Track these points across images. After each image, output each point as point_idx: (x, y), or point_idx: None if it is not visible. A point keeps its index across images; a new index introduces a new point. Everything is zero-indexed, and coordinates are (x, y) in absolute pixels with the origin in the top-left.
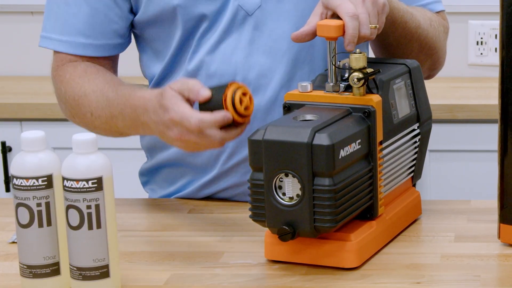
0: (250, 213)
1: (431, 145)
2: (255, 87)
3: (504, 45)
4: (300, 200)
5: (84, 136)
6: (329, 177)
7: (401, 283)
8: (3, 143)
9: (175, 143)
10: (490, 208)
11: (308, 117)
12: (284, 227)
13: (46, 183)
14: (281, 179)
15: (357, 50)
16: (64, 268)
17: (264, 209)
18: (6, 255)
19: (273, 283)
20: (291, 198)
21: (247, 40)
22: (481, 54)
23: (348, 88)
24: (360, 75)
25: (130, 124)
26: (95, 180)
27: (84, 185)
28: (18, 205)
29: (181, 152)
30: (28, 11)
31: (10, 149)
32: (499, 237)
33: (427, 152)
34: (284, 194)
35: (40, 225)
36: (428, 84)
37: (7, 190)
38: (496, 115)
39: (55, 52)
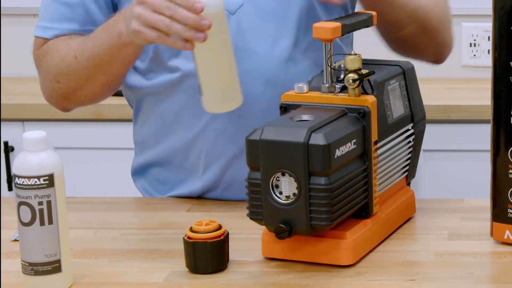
0: (247, 211)
1: (425, 145)
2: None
3: (496, 47)
4: (297, 199)
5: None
6: (325, 176)
7: (396, 281)
8: (6, 143)
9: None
10: (483, 206)
11: (304, 117)
12: (281, 225)
13: (47, 182)
14: (278, 178)
15: (352, 52)
16: (66, 265)
17: (261, 207)
18: (9, 252)
19: (269, 280)
20: (287, 197)
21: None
22: (474, 55)
23: (344, 89)
24: (355, 76)
25: (106, 35)
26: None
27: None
28: (20, 203)
29: (169, 151)
30: (31, 13)
31: (12, 149)
32: (491, 235)
33: (421, 152)
34: (281, 193)
35: (42, 223)
36: (422, 85)
37: (10, 189)
38: (489, 115)
39: (39, 38)
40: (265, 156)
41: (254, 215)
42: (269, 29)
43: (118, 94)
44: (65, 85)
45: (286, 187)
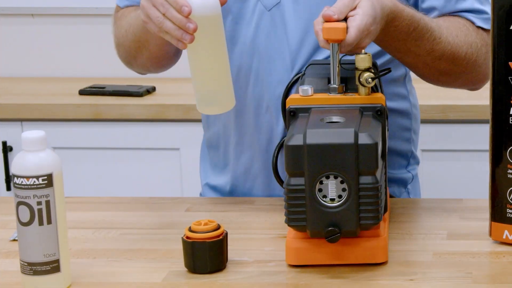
0: (246, 210)
1: (423, 144)
2: (267, 82)
3: (496, 47)
4: (346, 200)
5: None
6: (372, 175)
7: (394, 280)
8: (4, 143)
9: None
10: (481, 206)
11: (334, 119)
12: (333, 228)
13: (46, 182)
14: (321, 182)
15: (363, 51)
16: (64, 265)
17: (304, 213)
18: (7, 252)
19: (268, 280)
20: (332, 200)
21: (265, 34)
22: None
23: (347, 89)
24: (372, 75)
25: (138, 18)
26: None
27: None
28: (19, 203)
29: (213, 135)
30: (29, 13)
31: (11, 149)
32: (490, 235)
33: (420, 152)
34: (325, 196)
35: (41, 223)
36: (421, 85)
37: (8, 189)
38: (487, 115)
39: (116, 5)
40: (311, 161)
41: (295, 222)
42: (299, 29)
43: (117, 94)
44: (123, 54)
45: (333, 190)
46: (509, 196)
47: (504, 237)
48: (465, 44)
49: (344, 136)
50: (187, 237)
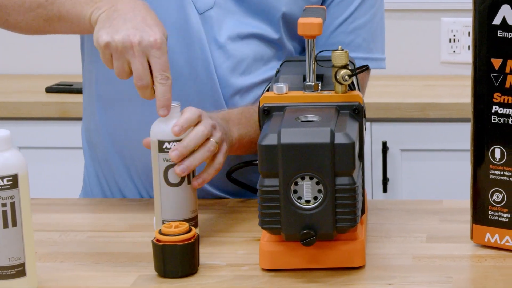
0: (216, 213)
1: (402, 144)
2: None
3: (477, 43)
4: (322, 202)
5: None
6: (349, 176)
7: (372, 285)
8: None
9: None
10: (462, 208)
11: (310, 117)
12: (309, 231)
13: (11, 183)
14: (296, 183)
15: (339, 47)
16: (30, 269)
17: (278, 215)
18: None
19: (242, 285)
20: (307, 202)
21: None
22: (454, 51)
23: (323, 87)
24: (349, 72)
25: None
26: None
27: None
28: None
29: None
30: None
31: None
32: (471, 237)
33: (399, 151)
34: (299, 198)
35: (5, 225)
36: (400, 82)
37: None
38: (469, 113)
39: None
40: (286, 161)
41: (269, 224)
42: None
43: None
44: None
45: (308, 191)
46: (491, 198)
47: (486, 240)
48: None
49: (320, 135)
50: (157, 240)
